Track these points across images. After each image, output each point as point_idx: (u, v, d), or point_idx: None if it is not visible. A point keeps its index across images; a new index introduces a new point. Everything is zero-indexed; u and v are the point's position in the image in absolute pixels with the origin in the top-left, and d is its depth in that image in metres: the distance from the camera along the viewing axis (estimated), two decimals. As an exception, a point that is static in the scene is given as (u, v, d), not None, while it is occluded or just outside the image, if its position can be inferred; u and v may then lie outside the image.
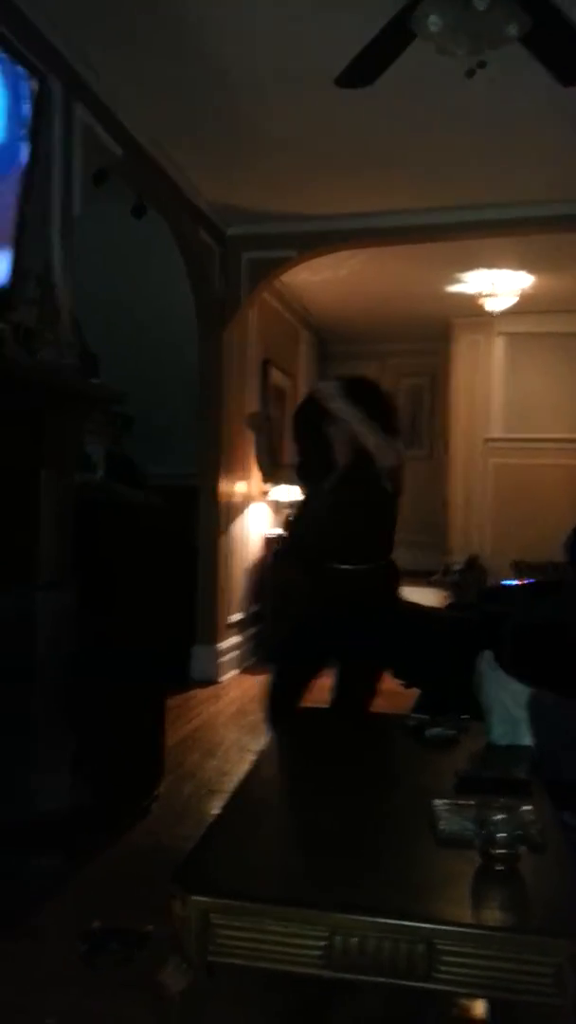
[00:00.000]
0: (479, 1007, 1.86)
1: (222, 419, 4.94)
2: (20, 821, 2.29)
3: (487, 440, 6.91)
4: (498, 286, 5.89)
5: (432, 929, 1.22)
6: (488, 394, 6.94)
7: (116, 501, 3.15)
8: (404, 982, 1.23)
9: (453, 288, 6.12)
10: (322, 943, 1.24)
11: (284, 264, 5.10)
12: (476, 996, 1.25)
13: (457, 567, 5.66)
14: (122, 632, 2.81)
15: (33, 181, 2.60)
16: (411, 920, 1.23)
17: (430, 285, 6.12)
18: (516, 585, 3.94)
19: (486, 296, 5.96)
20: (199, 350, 4.90)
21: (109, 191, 3.44)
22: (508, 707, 2.14)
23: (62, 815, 2.36)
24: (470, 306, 6.22)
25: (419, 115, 3.48)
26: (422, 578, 5.71)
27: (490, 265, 5.67)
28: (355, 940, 1.22)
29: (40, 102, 2.55)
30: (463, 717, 2.24)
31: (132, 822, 2.73)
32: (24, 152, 2.52)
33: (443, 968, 1.22)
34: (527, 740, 2.08)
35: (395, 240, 4.90)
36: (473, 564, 5.45)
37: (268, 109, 3.47)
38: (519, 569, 5.02)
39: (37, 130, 2.56)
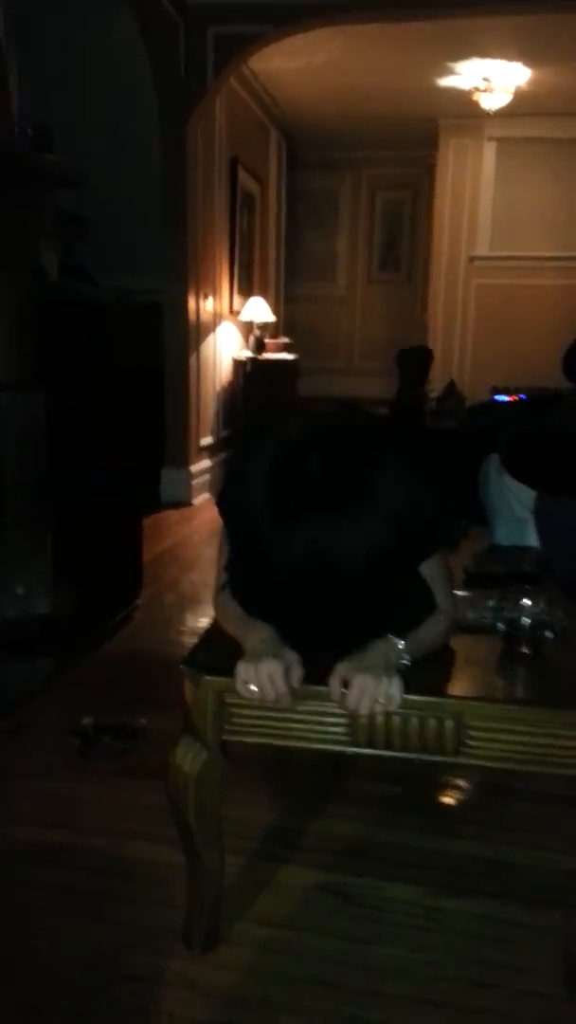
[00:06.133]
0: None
1: (188, 224, 4.49)
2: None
3: (472, 258, 6.49)
4: (493, 79, 5.31)
5: (462, 704, 1.17)
6: (475, 208, 6.44)
7: (83, 300, 2.85)
8: (433, 757, 1.18)
9: (443, 81, 5.51)
10: (345, 719, 1.17)
11: (256, 41, 4.44)
12: (505, 770, 1.21)
13: (435, 394, 5.49)
14: (93, 441, 2.63)
15: None
16: (440, 696, 1.17)
17: (418, 78, 5.49)
18: (507, 401, 3.81)
19: (480, 92, 5.39)
20: (162, 142, 4.35)
21: None
22: (514, 508, 2.07)
23: (44, 621, 2.28)
24: (461, 103, 5.64)
25: None
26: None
27: (485, 54, 5.07)
28: (379, 717, 1.16)
29: None
30: (463, 523, 2.16)
31: (115, 629, 2.69)
32: None
33: (472, 743, 1.17)
34: (532, 541, 2.02)
35: (386, 15, 4.27)
36: (452, 391, 5.28)
37: None
38: (507, 390, 4.88)
39: None
